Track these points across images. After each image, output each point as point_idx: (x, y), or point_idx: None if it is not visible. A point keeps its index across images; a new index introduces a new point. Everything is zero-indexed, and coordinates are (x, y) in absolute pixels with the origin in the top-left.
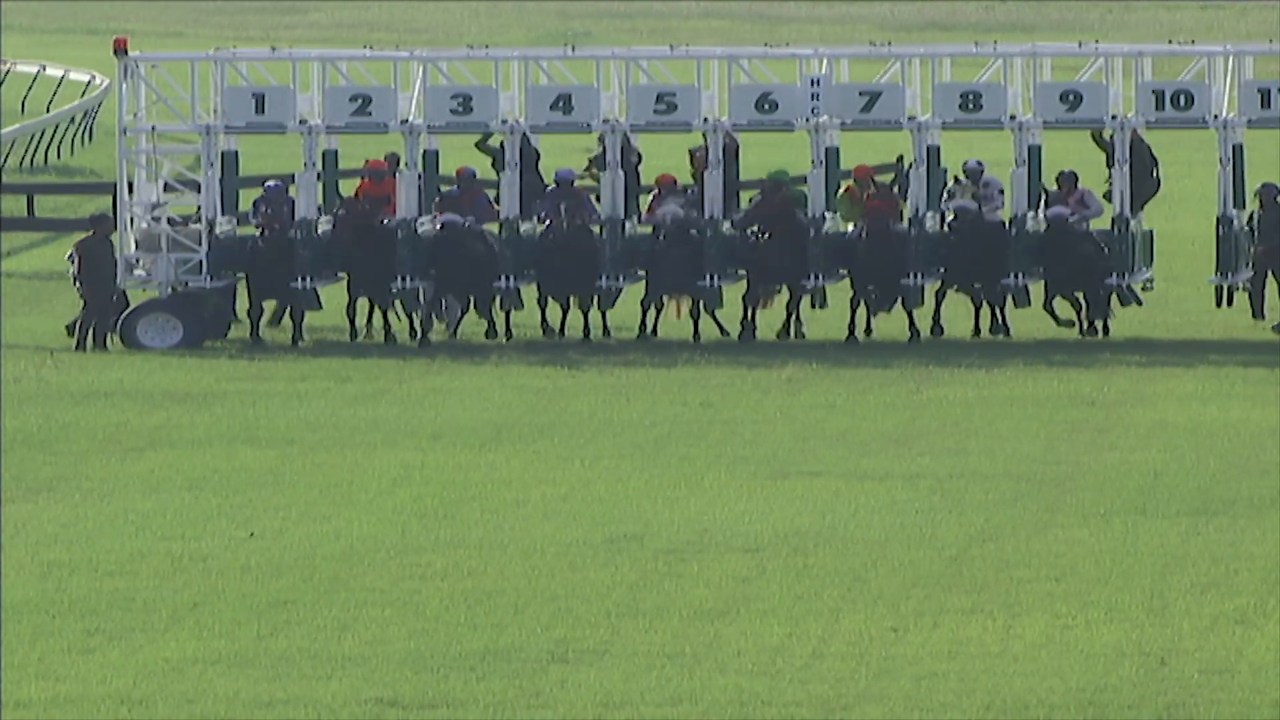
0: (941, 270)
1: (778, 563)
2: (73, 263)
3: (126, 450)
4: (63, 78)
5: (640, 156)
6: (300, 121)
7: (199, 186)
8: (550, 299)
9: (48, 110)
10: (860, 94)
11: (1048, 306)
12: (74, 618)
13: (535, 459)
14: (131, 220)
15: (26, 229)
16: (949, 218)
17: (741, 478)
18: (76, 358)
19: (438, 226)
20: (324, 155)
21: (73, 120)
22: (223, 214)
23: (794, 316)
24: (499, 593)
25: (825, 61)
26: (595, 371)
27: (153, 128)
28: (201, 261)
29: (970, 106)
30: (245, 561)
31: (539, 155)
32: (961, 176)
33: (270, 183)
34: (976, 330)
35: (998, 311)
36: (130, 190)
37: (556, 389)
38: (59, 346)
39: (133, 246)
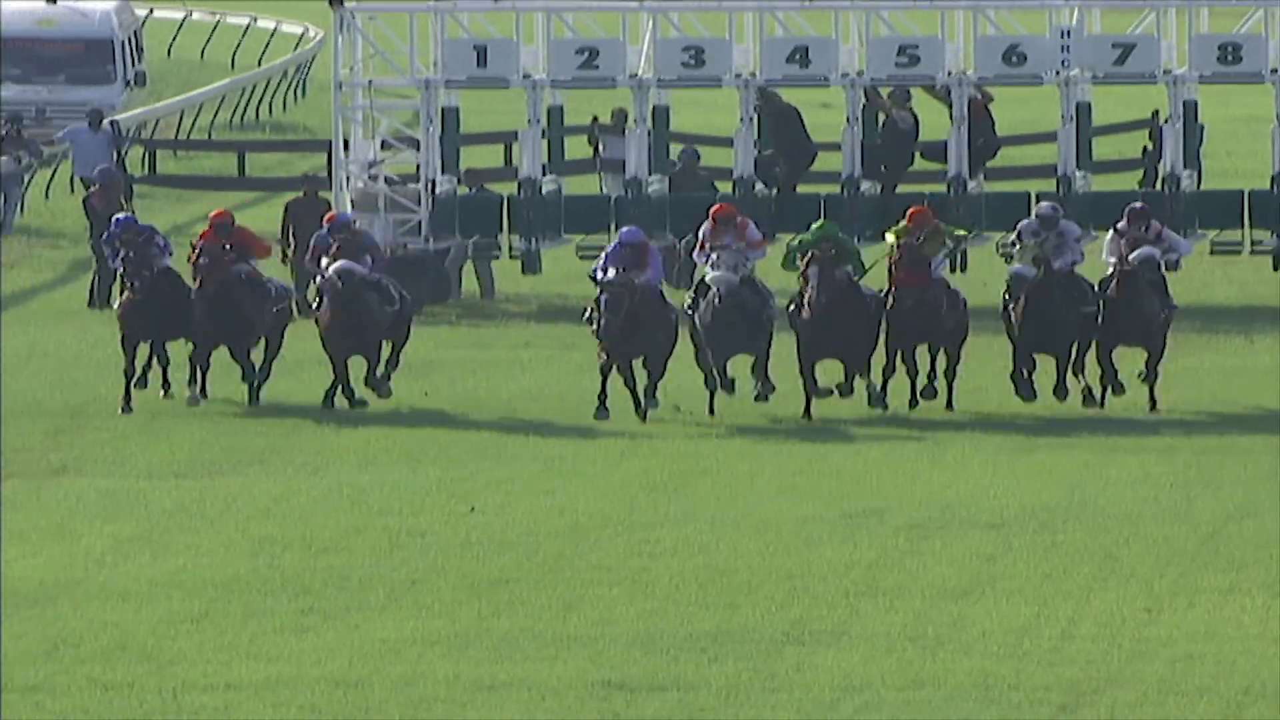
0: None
1: (1024, 539)
2: (285, 230)
3: (340, 422)
4: (275, 30)
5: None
6: (524, 76)
7: (417, 144)
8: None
9: (259, 64)
10: (1113, 46)
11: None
12: (287, 596)
13: (768, 431)
14: (347, 179)
15: (237, 188)
16: (1008, 282)
17: (986, 450)
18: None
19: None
20: (549, 111)
21: (285, 75)
22: (443, 173)
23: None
24: (731, 571)
25: (1077, 11)
26: None
27: (369, 82)
28: (421, 222)
29: (1229, 59)
30: (465, 538)
31: (799, 116)
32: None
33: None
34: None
35: (1077, 375)
36: (346, 148)
37: (792, 357)
38: None
39: (349, 207)
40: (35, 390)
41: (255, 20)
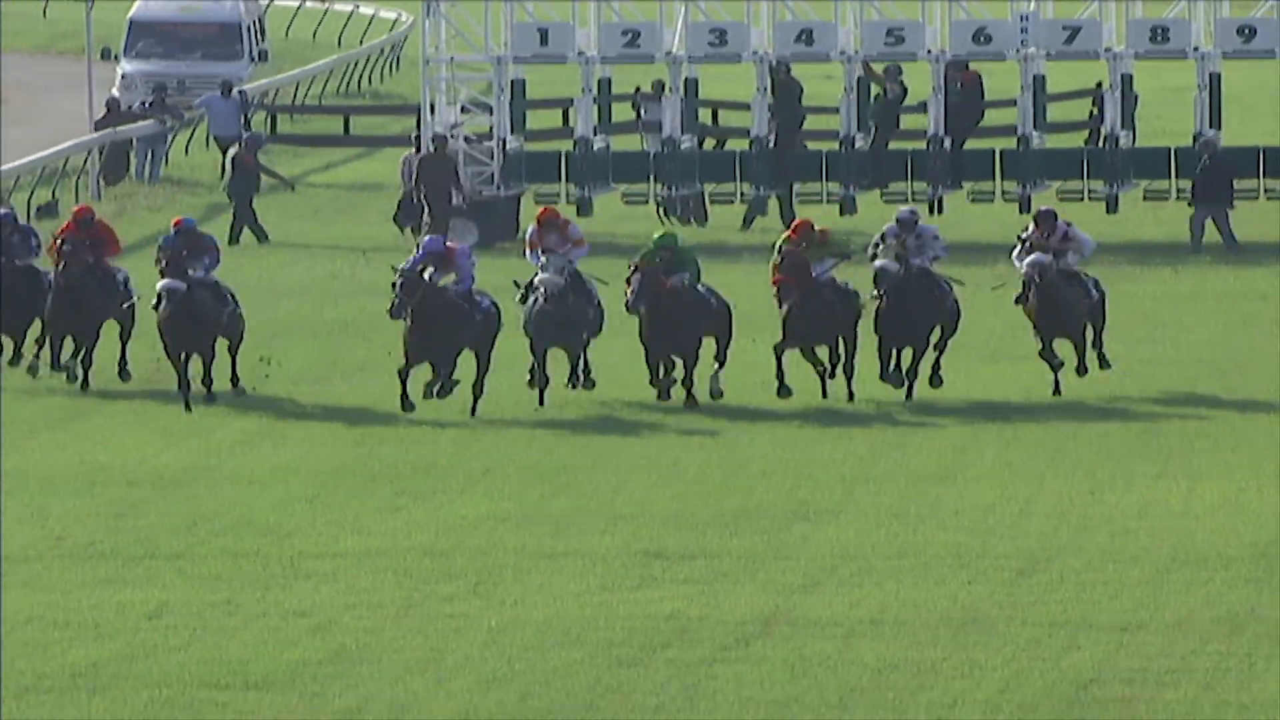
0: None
1: (989, 434)
2: (406, 176)
3: None
4: (373, 16)
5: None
6: (578, 53)
7: (490, 109)
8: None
9: (360, 43)
10: (1064, 28)
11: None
12: (384, 481)
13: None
14: (433, 138)
15: (342, 145)
16: (873, 277)
17: (957, 362)
18: (394, 257)
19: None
20: (599, 82)
21: (382, 52)
22: (511, 133)
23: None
24: (749, 460)
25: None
26: None
27: (451, 58)
28: (493, 174)
29: (1159, 39)
30: (530, 433)
31: (802, 88)
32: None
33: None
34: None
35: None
36: (432, 112)
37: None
38: (369, 246)
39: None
40: None
41: (358, 7)
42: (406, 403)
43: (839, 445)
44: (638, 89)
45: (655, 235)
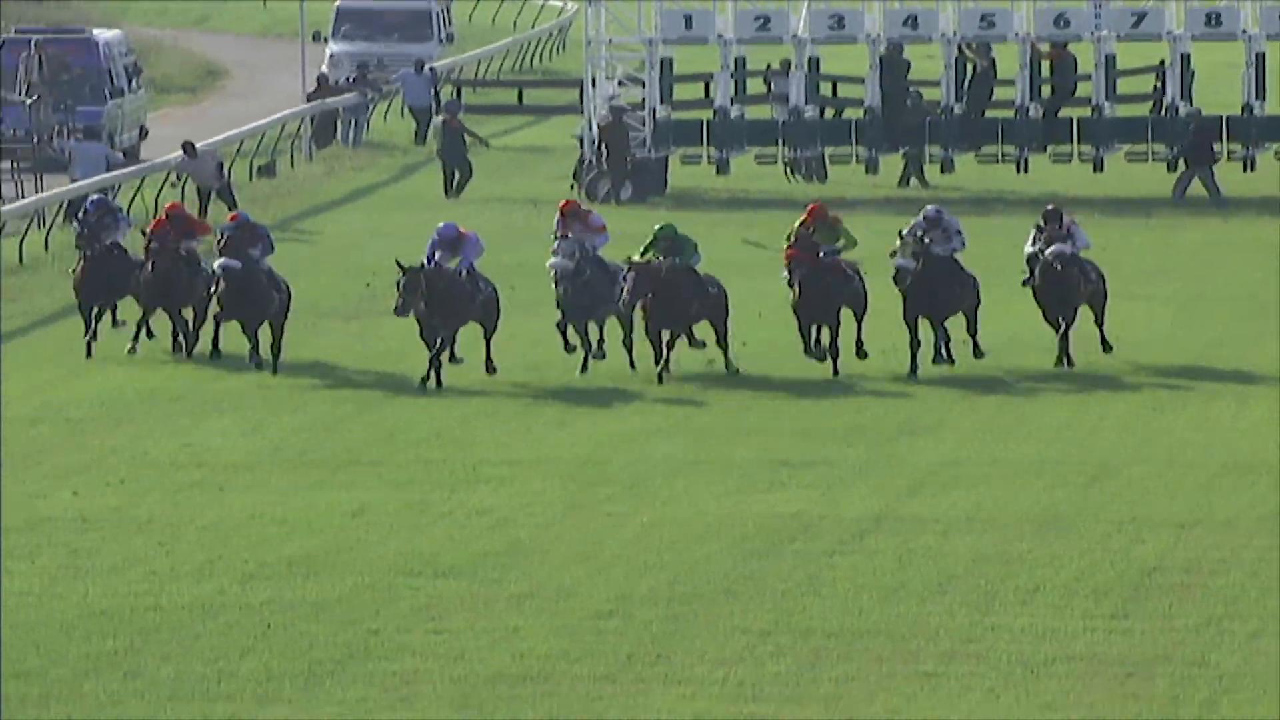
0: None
1: (1063, 371)
2: (582, 141)
3: None
4: (543, 4)
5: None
6: (718, 35)
7: (643, 83)
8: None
9: (532, 27)
10: (1131, 14)
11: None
12: (552, 401)
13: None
14: (595, 108)
15: (516, 114)
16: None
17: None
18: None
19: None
20: (735, 61)
21: (550, 34)
22: (660, 103)
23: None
24: (861, 384)
25: None
26: None
27: (609, 40)
28: (645, 138)
29: (1213, 23)
30: (677, 359)
31: (909, 65)
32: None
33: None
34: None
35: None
36: (593, 85)
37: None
38: (539, 200)
39: (594, 127)
40: (378, 258)
41: None
42: (438, 378)
43: (937, 373)
44: (768, 66)
45: (655, 226)
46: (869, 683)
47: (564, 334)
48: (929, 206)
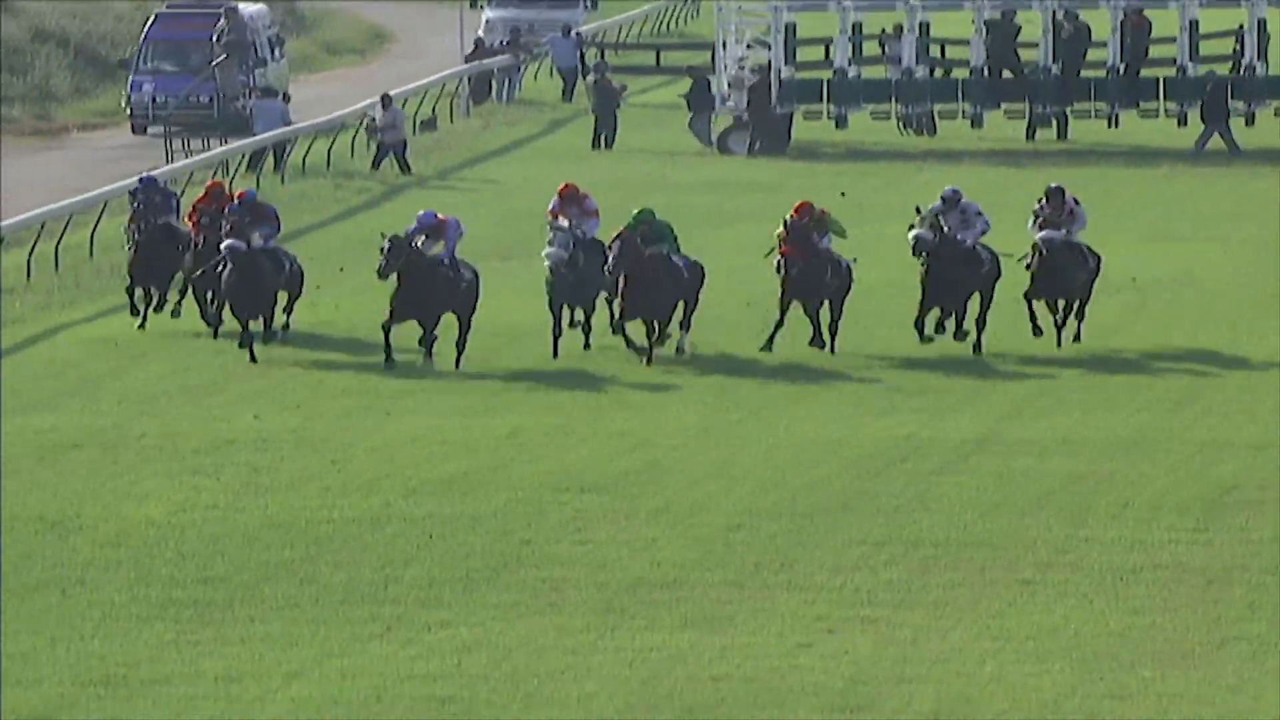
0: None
1: (1150, 306)
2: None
3: (721, 222)
4: None
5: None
6: (838, 2)
7: (769, 45)
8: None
9: None
10: None
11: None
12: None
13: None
14: (725, 68)
15: (654, 74)
16: (911, 246)
17: (1128, 238)
18: (691, 162)
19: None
20: (853, 25)
21: (685, 1)
22: (785, 64)
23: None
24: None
25: None
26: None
27: (739, 5)
28: (771, 96)
29: None
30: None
31: (1019, 29)
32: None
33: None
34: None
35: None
36: (724, 48)
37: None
38: (674, 152)
39: (725, 86)
40: (529, 203)
41: None
42: (389, 357)
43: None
44: (883, 30)
45: (634, 211)
46: (973, 589)
47: (557, 318)
48: (947, 188)
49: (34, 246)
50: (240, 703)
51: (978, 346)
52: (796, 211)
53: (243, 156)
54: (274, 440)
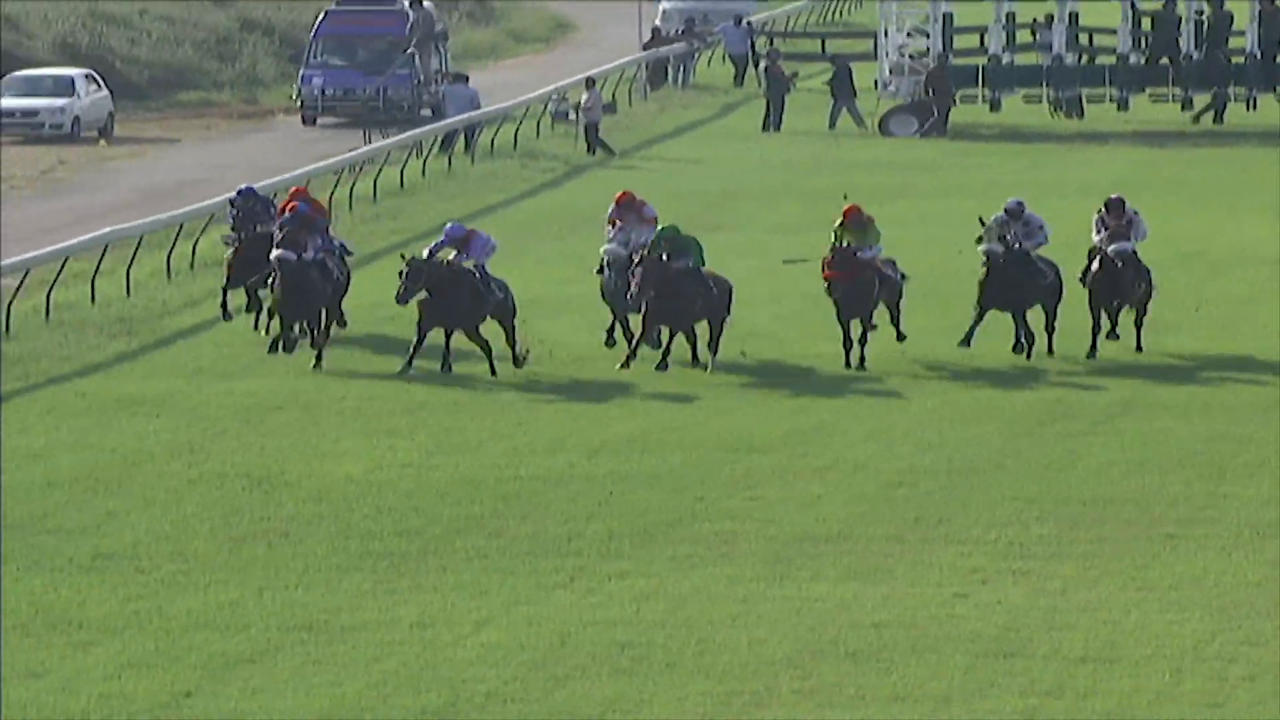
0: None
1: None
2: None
3: (884, 198)
4: None
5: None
6: None
7: (927, 34)
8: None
9: None
10: None
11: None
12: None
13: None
14: (886, 55)
15: (819, 60)
16: (983, 261)
17: (1267, 215)
18: (855, 143)
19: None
20: (1007, 15)
21: None
22: (942, 51)
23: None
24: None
25: None
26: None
27: None
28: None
29: None
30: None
31: (1231, 17)
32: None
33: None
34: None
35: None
36: (885, 36)
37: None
38: (841, 134)
39: (886, 72)
40: (701, 182)
41: None
42: (410, 363)
43: (1177, 286)
44: (1034, 19)
45: (660, 228)
46: (1118, 543)
47: (619, 328)
48: (1011, 200)
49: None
50: (433, 647)
51: (1050, 349)
52: (845, 216)
53: (435, 139)
54: (464, 403)
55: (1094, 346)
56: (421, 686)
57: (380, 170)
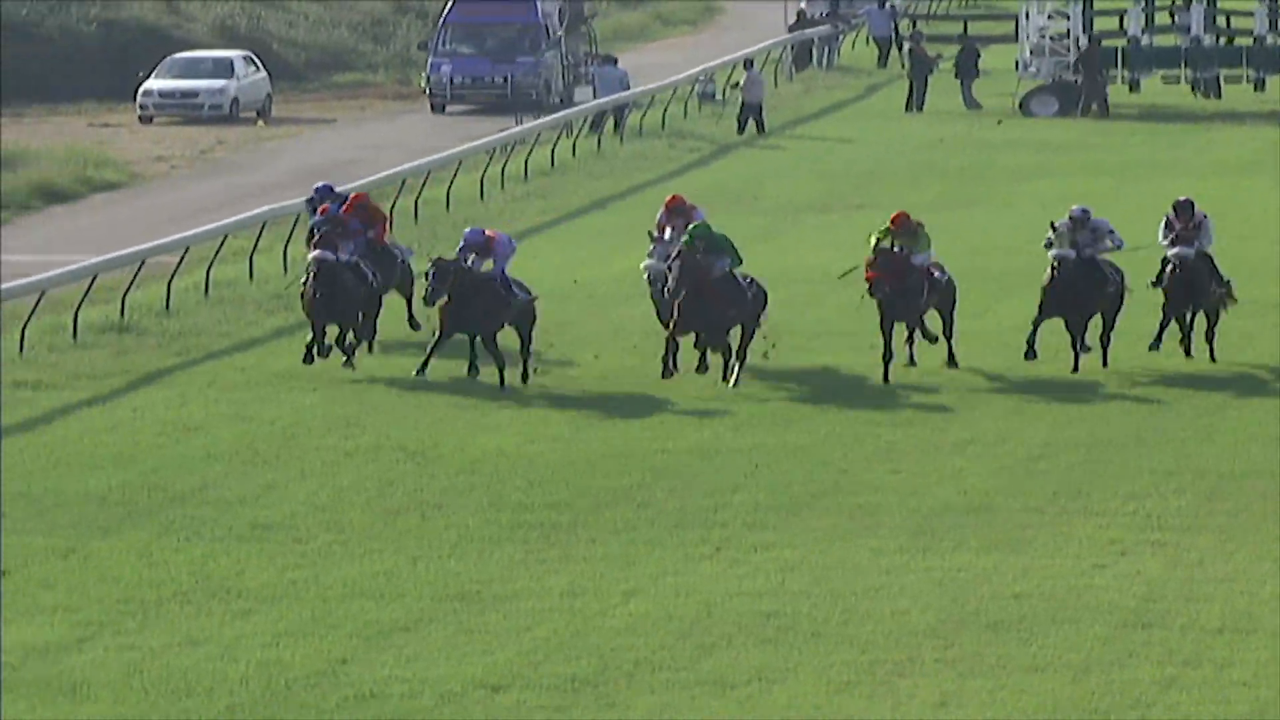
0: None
1: None
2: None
3: (1023, 178)
4: None
5: None
6: None
7: (1068, 16)
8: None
9: None
10: None
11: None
12: (987, 284)
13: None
14: (1027, 36)
15: (953, 43)
16: (1052, 265)
17: None
18: (991, 125)
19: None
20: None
21: None
22: (1082, 33)
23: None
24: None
25: None
26: None
27: None
28: (1070, 63)
29: None
30: None
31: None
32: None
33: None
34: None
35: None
36: (1026, 17)
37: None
38: (983, 114)
39: (1027, 53)
40: (845, 162)
41: None
42: (425, 367)
43: None
44: (1173, 1)
45: (690, 226)
46: (1255, 515)
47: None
48: (1075, 207)
49: (394, 202)
50: (582, 616)
51: (1104, 361)
52: (893, 223)
53: (585, 119)
54: (613, 376)
55: (1159, 339)
56: (571, 654)
57: (531, 150)
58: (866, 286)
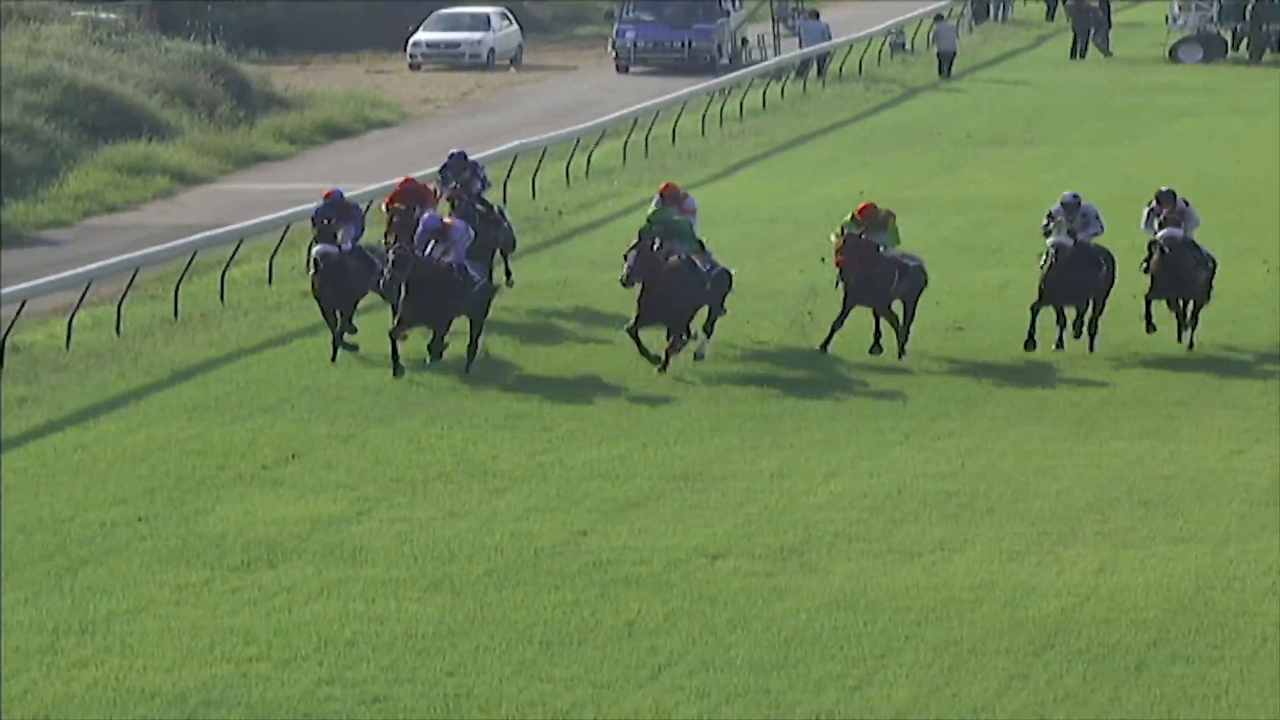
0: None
1: None
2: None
3: (1171, 117)
4: None
5: None
6: None
7: None
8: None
9: None
10: None
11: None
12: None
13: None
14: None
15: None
16: (1050, 252)
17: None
18: (1147, 66)
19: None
20: None
21: None
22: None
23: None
24: None
25: None
26: None
27: None
28: (1213, 16)
29: None
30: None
31: None
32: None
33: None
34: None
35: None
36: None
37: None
38: (1136, 60)
39: (1176, 8)
40: (1020, 101)
41: None
42: (397, 365)
43: None
44: None
45: (648, 214)
46: None
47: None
48: (1066, 193)
49: (628, 137)
50: (789, 495)
51: (1092, 346)
52: (860, 213)
53: (793, 66)
54: (822, 293)
55: (1149, 320)
56: (780, 527)
57: (745, 93)
58: (837, 273)
